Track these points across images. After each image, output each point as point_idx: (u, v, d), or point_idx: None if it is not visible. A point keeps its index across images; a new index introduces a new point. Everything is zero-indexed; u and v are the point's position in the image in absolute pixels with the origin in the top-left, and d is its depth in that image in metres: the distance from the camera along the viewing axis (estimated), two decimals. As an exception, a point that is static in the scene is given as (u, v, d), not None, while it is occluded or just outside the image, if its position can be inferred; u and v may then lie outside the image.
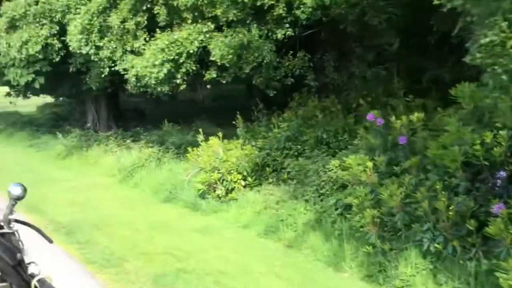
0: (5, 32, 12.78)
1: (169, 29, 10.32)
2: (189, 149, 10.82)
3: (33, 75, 16.15)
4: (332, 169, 7.94)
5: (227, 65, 9.87)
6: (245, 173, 9.52)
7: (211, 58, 9.85)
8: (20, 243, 1.59)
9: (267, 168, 9.56)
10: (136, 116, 22.69)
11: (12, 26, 12.69)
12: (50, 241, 1.73)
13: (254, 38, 9.76)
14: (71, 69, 14.15)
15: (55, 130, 19.68)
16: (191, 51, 9.96)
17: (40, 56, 12.77)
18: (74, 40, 11.10)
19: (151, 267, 7.00)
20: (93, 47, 11.13)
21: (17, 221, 1.64)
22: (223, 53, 9.63)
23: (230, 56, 9.63)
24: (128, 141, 13.80)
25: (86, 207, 10.33)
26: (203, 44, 10.08)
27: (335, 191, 7.80)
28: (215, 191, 9.64)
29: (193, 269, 6.90)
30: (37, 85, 16.34)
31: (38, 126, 20.97)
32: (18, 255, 1.49)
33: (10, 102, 23.74)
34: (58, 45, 12.61)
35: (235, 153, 9.95)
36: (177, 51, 10.01)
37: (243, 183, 9.50)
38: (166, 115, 22.06)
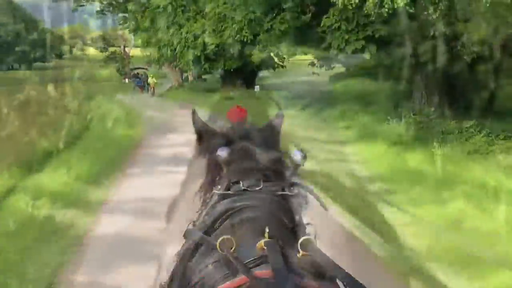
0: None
1: None
2: None
3: (363, 42, 12.84)
4: None
5: None
6: None
7: None
8: (299, 206, 1.52)
9: None
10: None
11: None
12: (325, 209, 1.61)
13: None
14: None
15: (367, 110, 16.23)
16: None
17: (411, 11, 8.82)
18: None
19: None
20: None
21: (298, 185, 1.53)
22: None
23: None
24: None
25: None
26: None
27: None
28: None
29: None
30: (367, 55, 12.91)
31: (345, 103, 17.61)
32: (297, 217, 1.44)
33: (313, 73, 21.51)
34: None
35: None
36: None
37: None
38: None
